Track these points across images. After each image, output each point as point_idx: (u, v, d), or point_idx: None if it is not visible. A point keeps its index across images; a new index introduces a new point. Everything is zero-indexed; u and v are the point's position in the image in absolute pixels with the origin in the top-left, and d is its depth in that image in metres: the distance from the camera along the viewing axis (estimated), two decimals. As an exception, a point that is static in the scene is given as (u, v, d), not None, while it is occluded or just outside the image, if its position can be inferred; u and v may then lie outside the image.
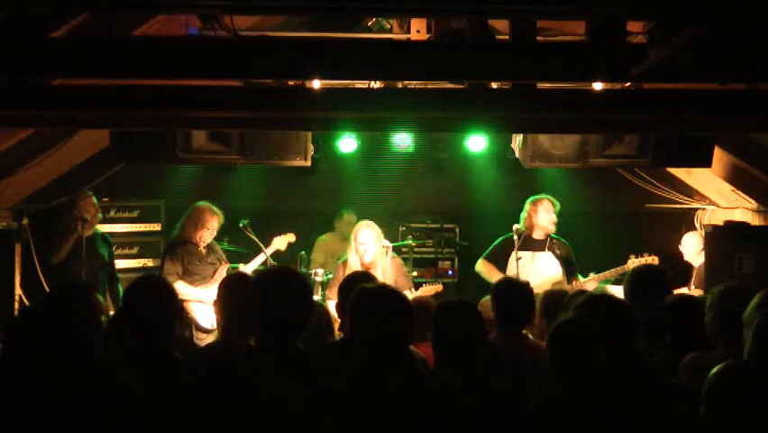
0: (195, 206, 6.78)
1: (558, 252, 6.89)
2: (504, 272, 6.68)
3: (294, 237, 7.27)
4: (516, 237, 6.72)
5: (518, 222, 6.85)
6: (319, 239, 8.06)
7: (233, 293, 3.71)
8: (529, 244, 6.87)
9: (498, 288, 4.36)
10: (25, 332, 2.83)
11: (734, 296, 3.53)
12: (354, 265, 6.29)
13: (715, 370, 2.71)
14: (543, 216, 6.87)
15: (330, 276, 6.91)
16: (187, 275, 6.59)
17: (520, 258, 6.69)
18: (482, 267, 6.91)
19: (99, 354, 3.23)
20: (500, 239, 6.93)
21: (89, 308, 3.49)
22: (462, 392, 2.89)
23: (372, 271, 6.24)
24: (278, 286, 3.23)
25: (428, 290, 6.80)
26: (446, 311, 3.61)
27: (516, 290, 4.32)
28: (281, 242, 7.14)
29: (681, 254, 7.53)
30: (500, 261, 6.82)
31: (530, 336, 4.27)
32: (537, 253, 6.89)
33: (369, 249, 6.35)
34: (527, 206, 6.94)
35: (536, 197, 6.98)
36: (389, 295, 2.91)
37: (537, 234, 6.90)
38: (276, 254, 7.13)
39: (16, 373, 3.16)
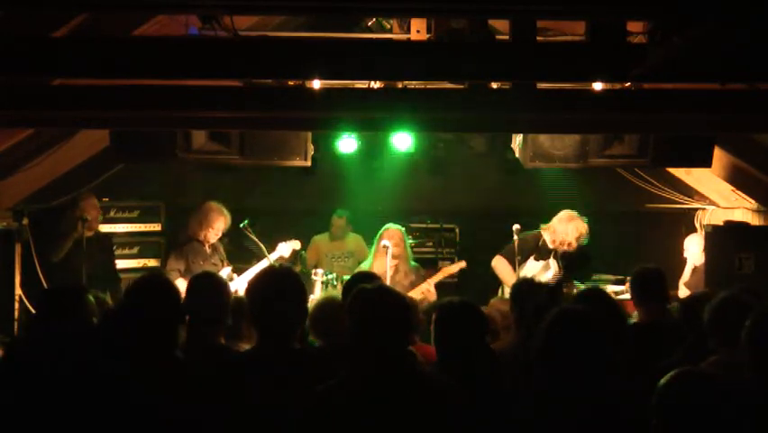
0: (204, 204, 6.76)
1: (561, 259, 6.87)
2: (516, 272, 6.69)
3: (299, 245, 7.24)
4: (530, 240, 6.72)
5: (519, 222, 6.84)
6: (313, 239, 8.05)
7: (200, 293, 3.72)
8: (543, 250, 6.86)
9: (518, 289, 4.32)
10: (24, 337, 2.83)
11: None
12: (378, 268, 6.37)
13: (663, 380, 2.63)
14: (574, 234, 6.80)
15: (328, 277, 6.92)
16: (189, 274, 6.55)
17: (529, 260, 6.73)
18: (499, 264, 6.83)
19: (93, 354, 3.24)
20: (521, 235, 6.82)
21: (81, 311, 3.49)
22: (463, 393, 2.89)
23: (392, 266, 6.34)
24: (274, 287, 3.23)
25: (452, 268, 6.82)
26: (446, 312, 3.60)
27: (536, 292, 4.27)
28: (286, 248, 7.07)
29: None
30: (514, 261, 6.79)
31: None
32: (547, 261, 6.88)
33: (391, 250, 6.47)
34: (564, 218, 6.84)
35: (574, 213, 6.88)
36: (388, 295, 2.90)
37: (555, 245, 6.85)
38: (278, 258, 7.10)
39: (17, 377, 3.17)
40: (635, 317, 4.70)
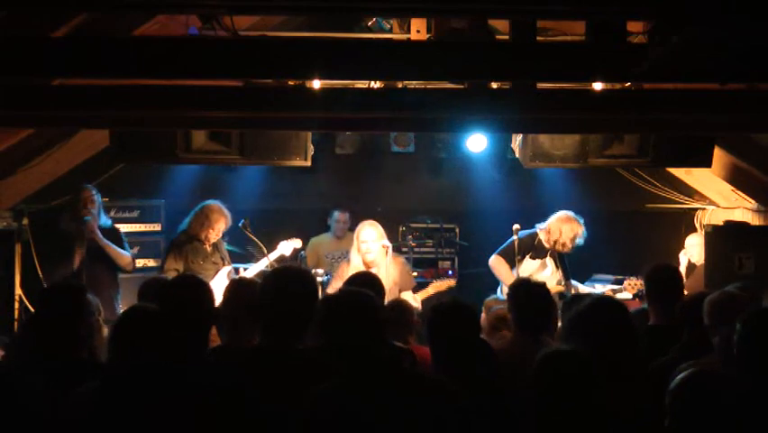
0: (205, 204, 6.72)
1: (558, 257, 6.89)
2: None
3: (300, 243, 7.22)
4: (526, 239, 6.73)
5: (519, 222, 6.84)
6: (311, 241, 8.05)
7: (240, 297, 3.73)
8: (538, 249, 6.87)
9: (517, 290, 4.30)
10: (24, 336, 2.82)
11: None
12: (356, 264, 6.30)
13: (677, 380, 2.66)
14: (570, 235, 6.81)
15: (328, 276, 6.91)
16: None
17: (525, 259, 6.74)
18: (497, 263, 6.81)
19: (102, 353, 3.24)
20: (518, 237, 6.77)
21: (82, 309, 3.48)
22: (458, 391, 2.89)
23: (374, 271, 6.26)
24: (277, 286, 3.24)
25: (440, 285, 6.81)
26: (439, 313, 3.61)
27: (535, 292, 4.22)
28: (287, 247, 7.05)
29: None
30: (514, 260, 6.80)
31: (551, 341, 4.06)
32: (543, 260, 6.90)
33: (371, 247, 6.34)
34: (560, 219, 6.83)
35: (571, 214, 6.86)
36: (352, 300, 2.90)
37: (551, 245, 6.87)
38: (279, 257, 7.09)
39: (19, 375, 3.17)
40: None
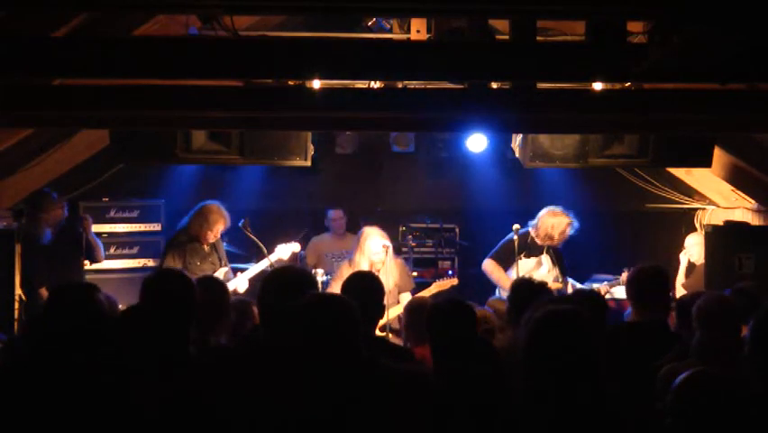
0: (204, 204, 6.72)
1: (554, 255, 6.90)
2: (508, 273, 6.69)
3: (299, 247, 7.20)
4: (519, 239, 6.73)
5: (519, 222, 6.84)
6: (311, 240, 8.05)
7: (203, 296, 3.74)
8: (532, 248, 6.88)
9: (517, 289, 4.30)
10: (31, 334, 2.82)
11: None
12: (364, 268, 6.31)
13: (679, 380, 2.65)
14: (556, 228, 6.83)
15: (328, 276, 6.90)
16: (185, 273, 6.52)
17: (521, 258, 6.73)
18: (490, 267, 6.85)
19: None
20: (508, 239, 6.82)
21: (92, 308, 3.48)
22: (431, 382, 2.88)
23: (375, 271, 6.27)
24: (283, 286, 3.24)
25: (443, 284, 6.82)
26: (437, 312, 3.61)
27: (536, 291, 4.18)
28: (285, 250, 7.03)
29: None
30: (507, 261, 6.81)
31: None
32: (539, 258, 6.91)
33: (382, 256, 6.36)
34: (546, 214, 6.86)
35: (558, 209, 6.89)
36: (325, 308, 2.88)
37: (540, 240, 6.89)
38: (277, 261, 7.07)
39: (25, 375, 3.17)
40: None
